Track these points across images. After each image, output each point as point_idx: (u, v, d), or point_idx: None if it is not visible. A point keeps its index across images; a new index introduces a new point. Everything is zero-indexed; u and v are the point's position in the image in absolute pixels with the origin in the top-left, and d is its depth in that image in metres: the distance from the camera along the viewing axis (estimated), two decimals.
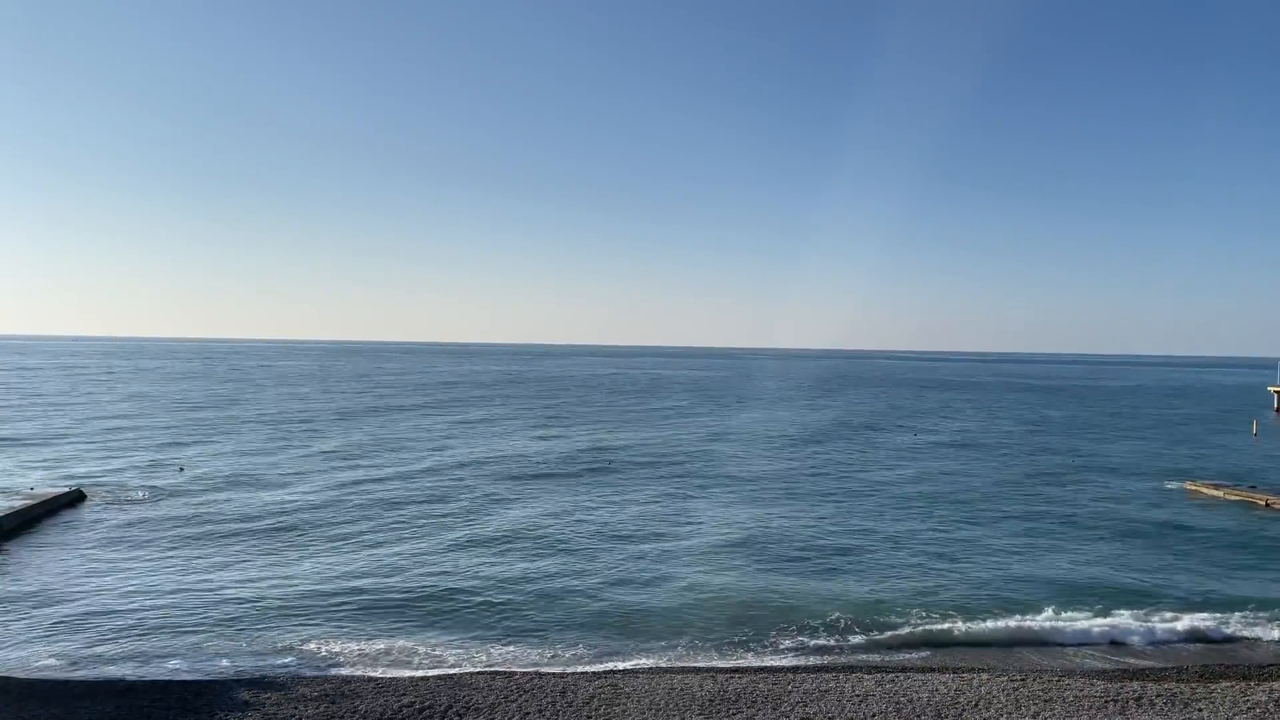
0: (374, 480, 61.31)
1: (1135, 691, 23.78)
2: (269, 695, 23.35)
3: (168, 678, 25.59)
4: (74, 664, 26.88)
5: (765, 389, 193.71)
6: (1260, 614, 33.26)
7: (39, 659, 27.13)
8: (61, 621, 30.54)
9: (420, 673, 26.17)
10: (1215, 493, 59.00)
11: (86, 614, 31.37)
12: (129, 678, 25.49)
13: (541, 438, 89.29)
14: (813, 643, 29.56)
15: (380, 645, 28.71)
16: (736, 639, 29.80)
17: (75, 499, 51.63)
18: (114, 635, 29.26)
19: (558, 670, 26.51)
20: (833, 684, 24.40)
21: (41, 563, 38.15)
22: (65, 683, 24.95)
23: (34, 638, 28.89)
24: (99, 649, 28.01)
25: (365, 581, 36.03)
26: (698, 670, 26.29)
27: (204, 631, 29.67)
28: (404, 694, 23.51)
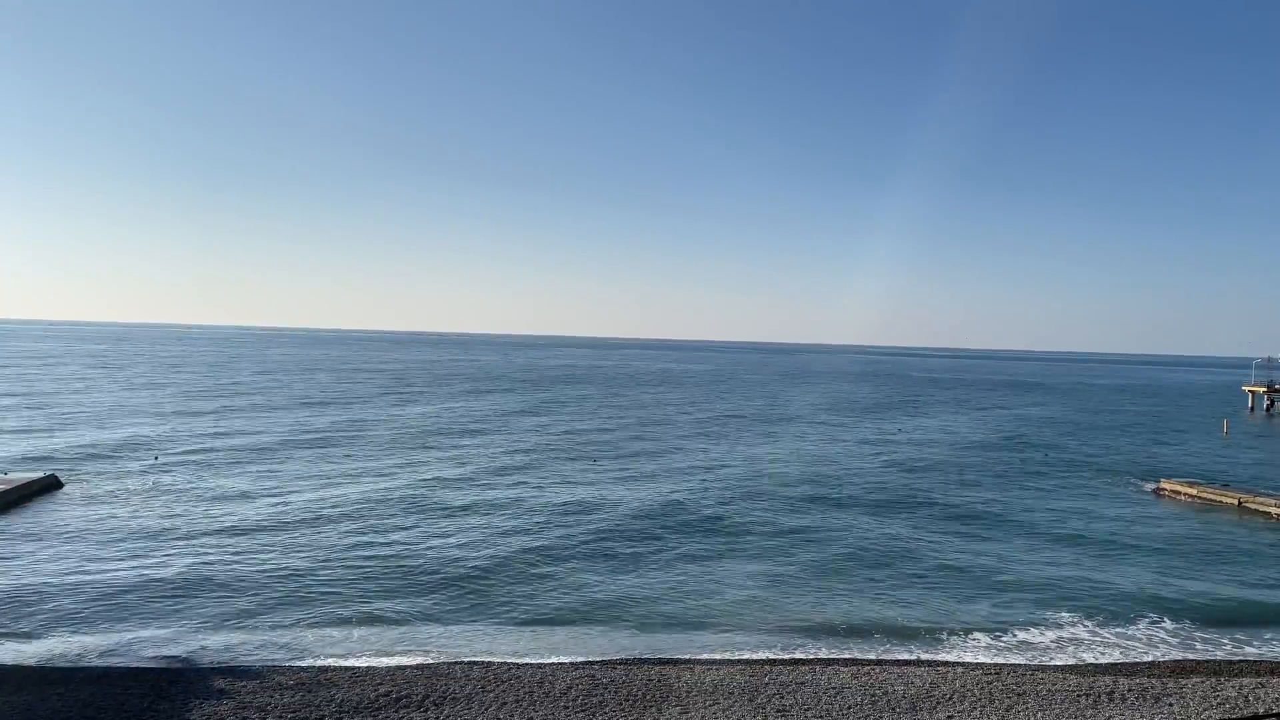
0: (351, 470, 61.03)
1: (1107, 686, 24.05)
2: (245, 684, 23.23)
3: (142, 665, 25.41)
4: (47, 650, 26.59)
5: (802, 388, 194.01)
6: (1232, 612, 33.72)
7: (11, 645, 26.84)
8: (34, 608, 30.21)
9: (397, 662, 26.09)
10: (1188, 491, 59.62)
11: (60, 600, 31.06)
12: (103, 665, 25.28)
13: (548, 428, 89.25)
14: (789, 636, 29.66)
15: (357, 635, 28.59)
16: (714, 632, 29.89)
17: (50, 485, 51.07)
18: (87, 622, 28.99)
19: (535, 661, 26.50)
20: (809, 676, 24.54)
21: (14, 548, 37.72)
22: (37, 669, 24.71)
23: (6, 624, 28.58)
24: (72, 635, 27.72)
25: (342, 572, 35.88)
26: (675, 662, 26.35)
27: (179, 619, 29.45)
28: (380, 683, 23.44)
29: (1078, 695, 23.22)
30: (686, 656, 27.23)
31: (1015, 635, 30.43)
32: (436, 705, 21.93)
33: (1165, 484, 62.64)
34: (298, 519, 44.81)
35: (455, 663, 25.95)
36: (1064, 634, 30.64)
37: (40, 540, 39.20)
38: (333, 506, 48.08)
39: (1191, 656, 28.72)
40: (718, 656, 27.33)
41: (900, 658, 27.75)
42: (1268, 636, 30.72)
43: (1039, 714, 21.88)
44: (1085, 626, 31.39)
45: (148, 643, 27.38)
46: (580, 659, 26.88)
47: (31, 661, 25.65)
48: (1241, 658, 28.58)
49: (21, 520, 43.00)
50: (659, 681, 23.85)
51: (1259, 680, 25.02)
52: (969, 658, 27.97)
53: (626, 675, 24.46)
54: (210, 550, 38.36)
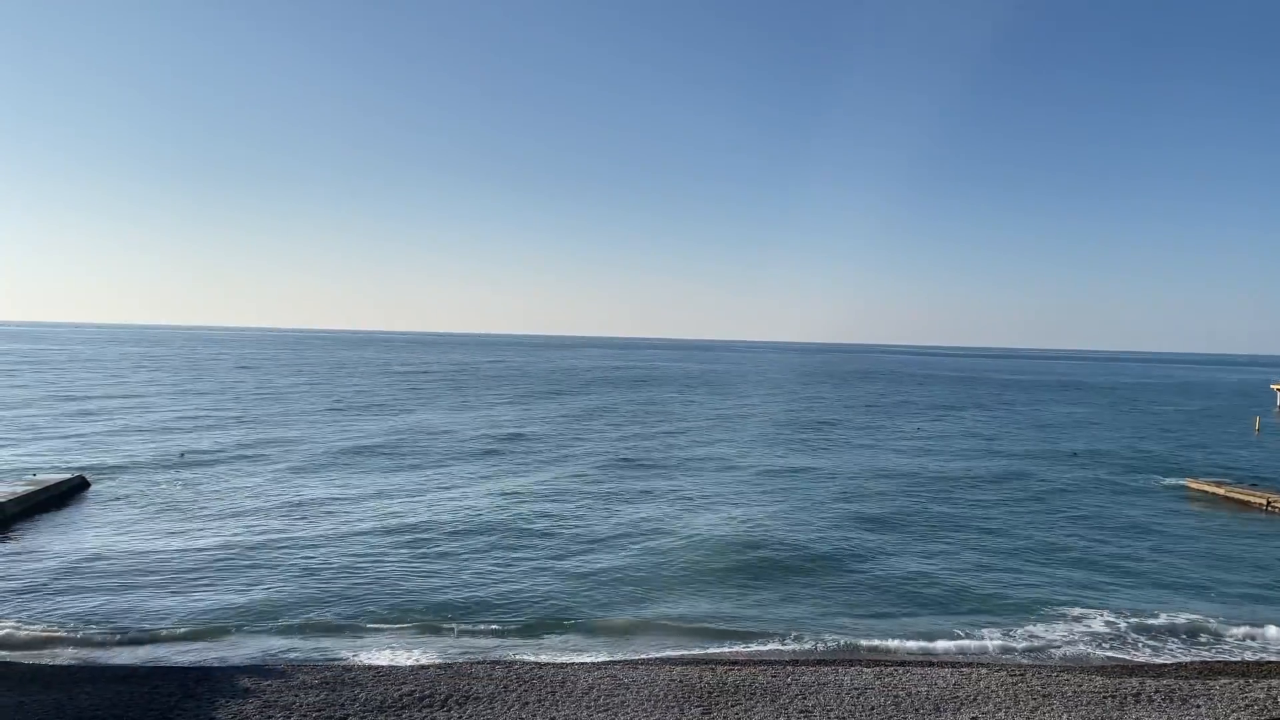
0: (379, 469, 61.40)
1: (1134, 687, 23.81)
2: (269, 682, 23.43)
3: (168, 663, 25.71)
4: (75, 648, 27.00)
5: (777, 383, 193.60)
6: (1260, 613, 33.33)
7: (41, 643, 27.25)
8: (63, 607, 30.65)
9: (420, 661, 26.26)
10: (1216, 490, 58.95)
11: (87, 599, 31.48)
12: (130, 663, 25.60)
13: (573, 429, 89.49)
14: (812, 636, 29.61)
15: (381, 635, 28.81)
16: (736, 631, 29.88)
17: (79, 485, 51.71)
18: (115, 620, 29.36)
19: (557, 660, 26.57)
20: (831, 677, 24.45)
21: (44, 548, 38.25)
22: (66, 668, 25.06)
23: (36, 623, 28.99)
24: (100, 634, 28.12)
25: (368, 570, 36.13)
26: (697, 661, 26.35)
27: (205, 618, 29.77)
28: (403, 683, 23.57)
29: (1104, 697, 23.01)
30: (707, 656, 27.24)
31: (1039, 636, 30.22)
32: (459, 705, 22.03)
33: (1192, 483, 61.96)
34: (326, 521, 45.15)
35: (478, 662, 26.07)
36: (1089, 635, 30.40)
37: (67, 541, 39.71)
38: (360, 510, 48.41)
39: (1219, 658, 28.43)
40: (741, 656, 27.33)
41: (924, 659, 27.63)
42: None
43: (1065, 715, 21.70)
44: (1110, 627, 31.12)
45: (175, 641, 27.73)
46: (602, 659, 26.95)
47: (61, 660, 26.03)
48: (1270, 659, 28.25)
49: (49, 521, 43.57)
50: (681, 681, 23.83)
51: None
52: (993, 659, 27.82)
53: (648, 675, 24.47)
54: (237, 550, 38.70)
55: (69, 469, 55.60)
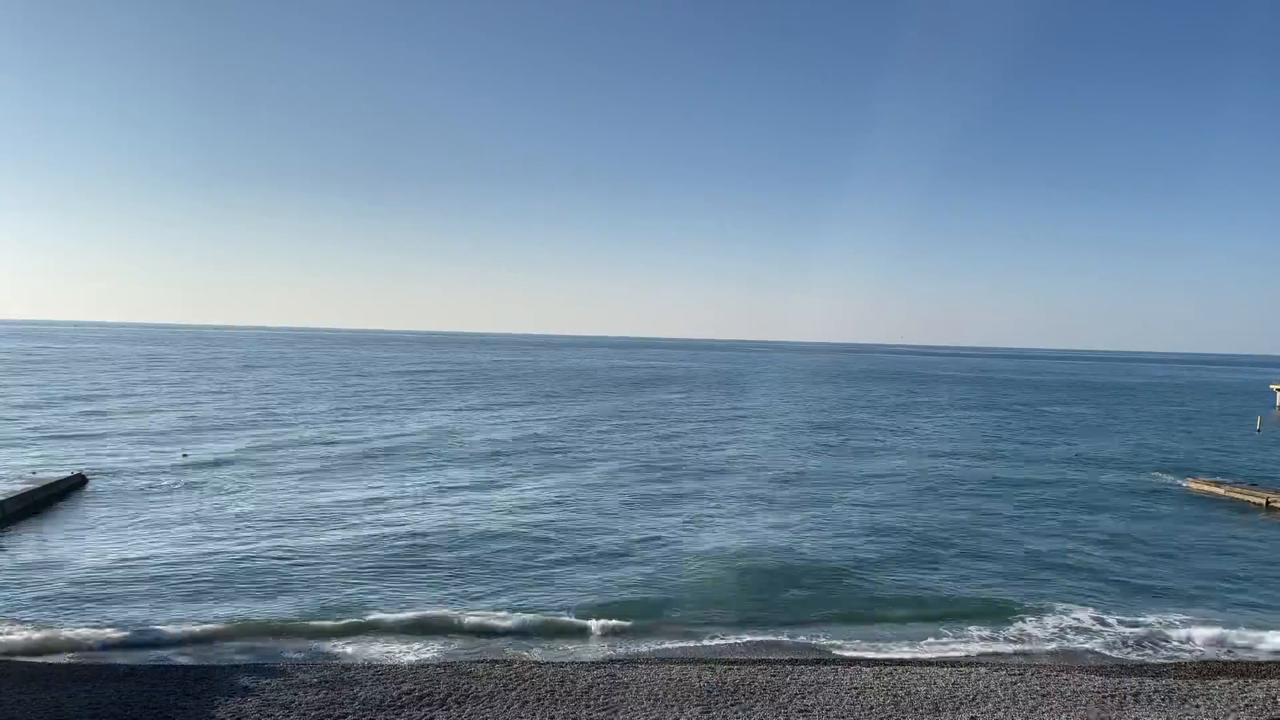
0: (383, 470, 61.41)
1: (1133, 687, 23.81)
2: (269, 681, 23.43)
3: (168, 662, 25.72)
4: (75, 647, 27.00)
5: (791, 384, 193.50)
6: (1259, 612, 33.32)
7: (41, 642, 27.24)
8: (63, 605, 30.68)
9: (419, 660, 26.27)
10: (1216, 490, 58.94)
11: (87, 598, 31.51)
12: (129, 662, 25.59)
13: (547, 425, 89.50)
14: (811, 635, 29.61)
15: (381, 633, 28.82)
16: (735, 631, 29.88)
17: (77, 483, 51.73)
18: (114, 619, 29.38)
19: (556, 659, 26.57)
20: (831, 676, 24.45)
21: (43, 546, 38.28)
22: (66, 666, 25.06)
23: (35, 621, 29.00)
24: (100, 632, 28.10)
25: (367, 570, 36.15)
26: (696, 661, 26.34)
27: (204, 616, 29.78)
28: (403, 681, 23.57)
29: (1103, 696, 23.01)
30: (707, 656, 27.24)
31: (1038, 636, 30.22)
32: (459, 704, 22.02)
33: (1192, 482, 61.96)
34: (327, 522, 45.16)
35: (478, 661, 26.07)
36: (1088, 635, 30.39)
37: (67, 540, 39.73)
38: (360, 511, 48.43)
39: (1218, 658, 28.42)
40: (740, 655, 27.32)
41: (923, 658, 27.63)
42: None
43: (1064, 715, 21.70)
44: (1109, 627, 31.11)
45: (173, 639, 27.73)
46: (601, 657, 26.96)
47: (61, 659, 26.03)
48: (1269, 659, 28.23)
49: (48, 520, 43.60)
50: (680, 681, 23.83)
51: None
52: (992, 658, 27.80)
53: (648, 674, 24.47)
54: (235, 549, 38.72)
55: (68, 468, 55.59)
